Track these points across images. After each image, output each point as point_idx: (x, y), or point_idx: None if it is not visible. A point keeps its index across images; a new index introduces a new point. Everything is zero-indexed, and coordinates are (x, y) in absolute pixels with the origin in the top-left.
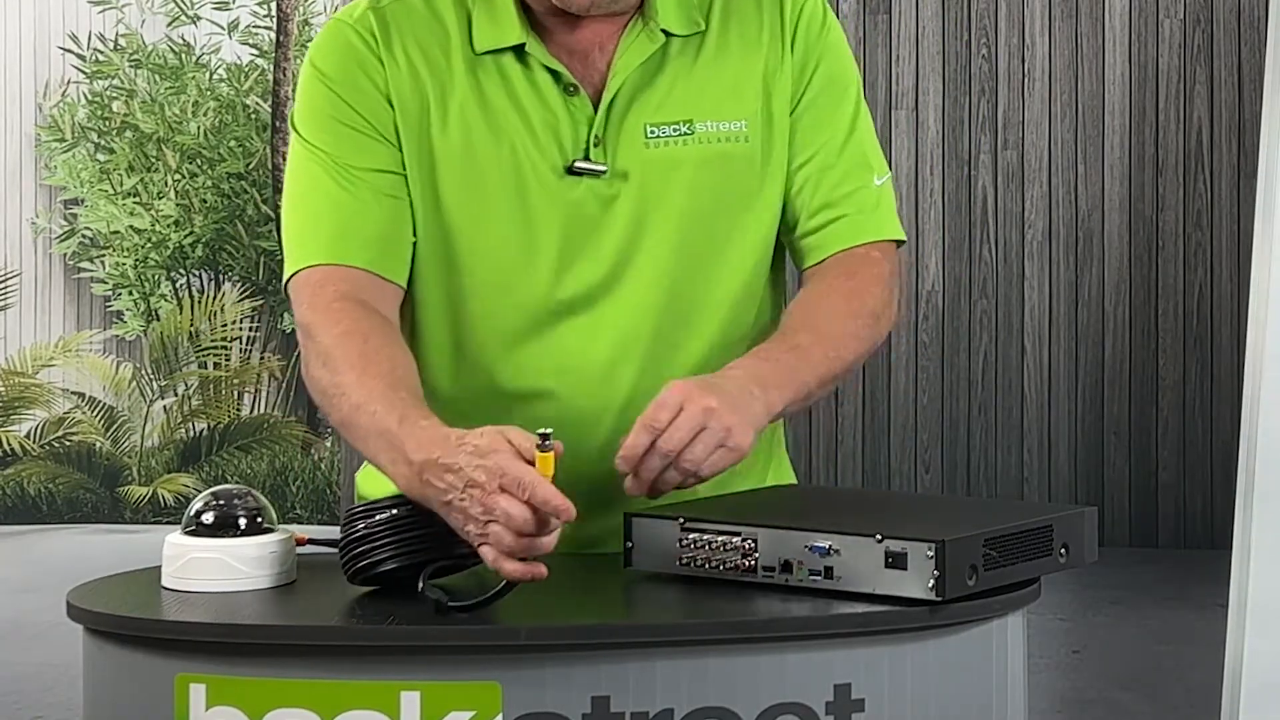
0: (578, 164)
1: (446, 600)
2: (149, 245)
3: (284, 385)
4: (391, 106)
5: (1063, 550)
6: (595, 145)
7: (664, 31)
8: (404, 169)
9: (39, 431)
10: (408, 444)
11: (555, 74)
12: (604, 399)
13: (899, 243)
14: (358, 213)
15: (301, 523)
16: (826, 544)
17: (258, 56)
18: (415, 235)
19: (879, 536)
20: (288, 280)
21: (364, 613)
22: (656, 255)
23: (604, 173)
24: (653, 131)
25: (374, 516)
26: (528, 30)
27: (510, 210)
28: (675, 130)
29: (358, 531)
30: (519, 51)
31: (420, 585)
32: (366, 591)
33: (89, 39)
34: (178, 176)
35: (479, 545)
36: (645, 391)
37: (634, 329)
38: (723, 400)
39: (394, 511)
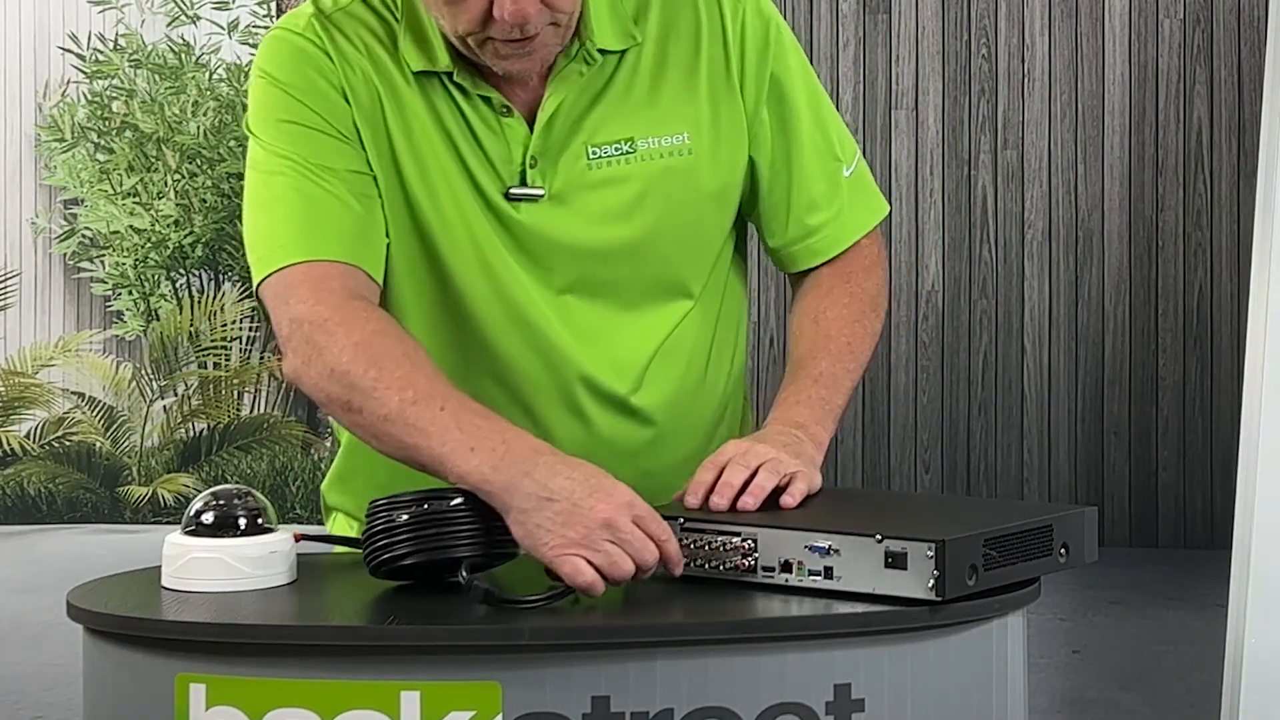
0: (513, 190)
1: (498, 593)
2: (149, 245)
3: (284, 385)
4: (349, 102)
5: (1063, 550)
6: (531, 166)
7: (600, 51)
8: (370, 169)
9: (39, 431)
10: (519, 439)
11: (487, 98)
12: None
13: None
14: (334, 210)
15: (301, 523)
16: (826, 544)
17: None
18: (387, 236)
19: (879, 536)
20: (263, 279)
21: (364, 613)
22: (606, 268)
23: (541, 196)
24: (595, 153)
25: (396, 511)
26: (454, 59)
27: (458, 229)
28: (617, 150)
29: (379, 525)
30: (449, 76)
31: (461, 576)
32: (365, 591)
33: (89, 39)
34: (178, 176)
35: (568, 553)
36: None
37: (594, 334)
38: (777, 450)
39: (422, 506)
